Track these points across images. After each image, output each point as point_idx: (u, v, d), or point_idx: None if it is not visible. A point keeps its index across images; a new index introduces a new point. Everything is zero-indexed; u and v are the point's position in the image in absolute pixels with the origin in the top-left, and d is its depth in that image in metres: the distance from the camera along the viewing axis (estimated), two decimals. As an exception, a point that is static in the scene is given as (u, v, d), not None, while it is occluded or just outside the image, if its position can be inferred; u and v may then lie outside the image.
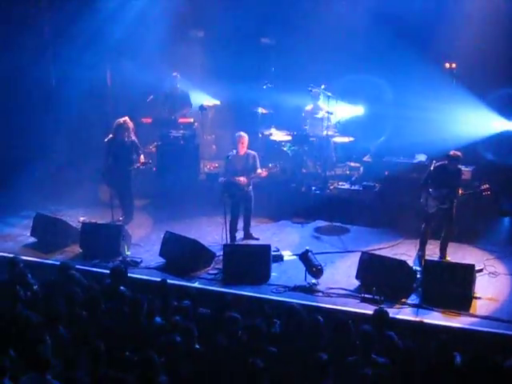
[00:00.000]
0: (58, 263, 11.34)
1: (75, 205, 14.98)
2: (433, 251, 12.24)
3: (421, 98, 14.56)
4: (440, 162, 11.95)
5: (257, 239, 13.29)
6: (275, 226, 14.31)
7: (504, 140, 14.23)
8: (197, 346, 8.27)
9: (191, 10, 17.43)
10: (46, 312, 8.86)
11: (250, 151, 13.14)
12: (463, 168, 13.00)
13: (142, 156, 13.94)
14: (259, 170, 13.07)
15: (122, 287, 9.95)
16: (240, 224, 13.33)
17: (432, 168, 11.95)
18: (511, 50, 13.96)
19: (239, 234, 13.34)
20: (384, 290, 10.69)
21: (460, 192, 11.62)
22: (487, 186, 11.62)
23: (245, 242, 13.16)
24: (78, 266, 11.35)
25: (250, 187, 13.08)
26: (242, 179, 12.87)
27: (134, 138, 13.85)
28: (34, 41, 16.11)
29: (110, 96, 17.24)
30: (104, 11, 16.10)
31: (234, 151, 13.10)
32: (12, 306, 9.21)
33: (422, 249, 12.03)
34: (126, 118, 13.88)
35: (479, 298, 10.74)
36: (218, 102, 17.88)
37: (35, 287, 10.07)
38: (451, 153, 11.80)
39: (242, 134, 13.12)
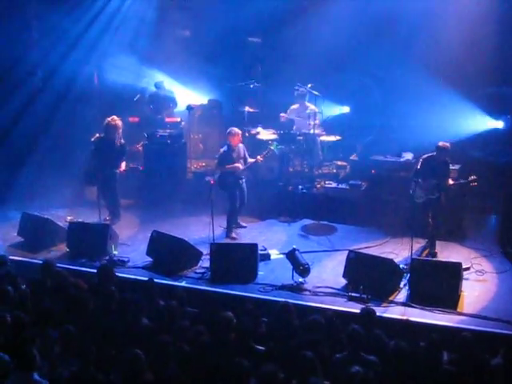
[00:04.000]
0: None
1: (62, 204, 14.94)
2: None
3: (407, 96, 14.61)
4: (429, 154, 12.04)
5: (244, 227, 13.93)
6: (262, 224, 14.33)
7: (490, 138, 14.29)
8: (184, 346, 8.26)
9: (177, 10, 17.45)
10: (33, 311, 8.84)
11: (239, 143, 13.64)
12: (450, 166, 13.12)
13: (123, 163, 14.02)
14: (251, 160, 13.57)
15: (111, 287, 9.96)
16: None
17: (421, 160, 12.03)
18: (498, 48, 13.99)
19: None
20: (371, 289, 10.69)
21: (451, 182, 11.69)
22: (475, 177, 11.69)
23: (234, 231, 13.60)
24: (65, 266, 11.38)
25: (244, 179, 13.53)
26: (237, 165, 13.37)
27: (123, 140, 13.88)
28: (20, 41, 16.01)
29: (97, 95, 17.16)
30: (90, 11, 16.06)
31: (226, 146, 13.48)
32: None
33: (431, 244, 12.22)
34: (116, 117, 13.86)
35: (466, 296, 10.78)
36: (204, 102, 17.86)
37: (23, 287, 10.03)
38: (440, 143, 11.91)
39: (237, 129, 13.61)
